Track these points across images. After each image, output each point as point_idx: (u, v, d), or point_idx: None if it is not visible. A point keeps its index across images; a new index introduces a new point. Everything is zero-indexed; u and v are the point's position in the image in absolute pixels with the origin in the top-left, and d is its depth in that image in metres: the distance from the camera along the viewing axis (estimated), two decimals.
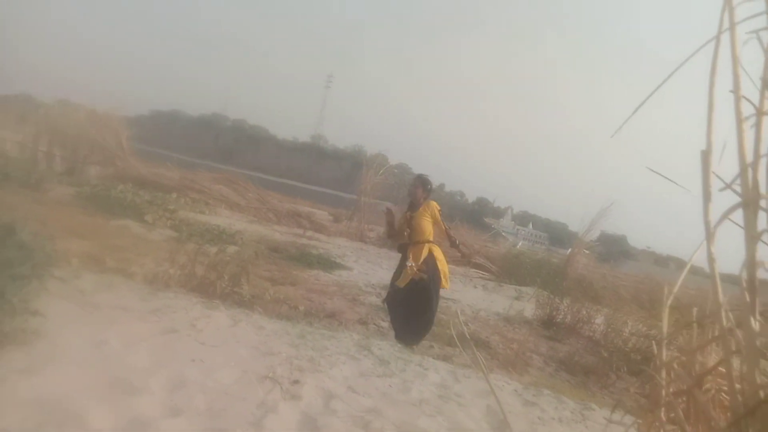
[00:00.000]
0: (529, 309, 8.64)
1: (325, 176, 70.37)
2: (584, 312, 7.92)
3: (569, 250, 17.66)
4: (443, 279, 6.02)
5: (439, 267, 6.00)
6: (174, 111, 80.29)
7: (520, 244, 28.62)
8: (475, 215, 57.33)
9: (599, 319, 7.82)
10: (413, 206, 6.16)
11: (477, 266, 15.04)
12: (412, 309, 5.72)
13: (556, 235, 71.68)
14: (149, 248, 7.21)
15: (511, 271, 14.33)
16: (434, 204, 6.14)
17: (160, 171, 16.32)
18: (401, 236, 6.21)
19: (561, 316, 7.96)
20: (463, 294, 10.07)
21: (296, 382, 3.13)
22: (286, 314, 5.40)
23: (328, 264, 9.58)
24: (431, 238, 6.05)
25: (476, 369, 4.31)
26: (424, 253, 5.92)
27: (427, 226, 5.99)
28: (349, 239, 15.68)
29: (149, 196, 11.03)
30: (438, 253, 6.07)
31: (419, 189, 6.16)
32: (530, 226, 78.31)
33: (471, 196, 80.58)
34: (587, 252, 16.62)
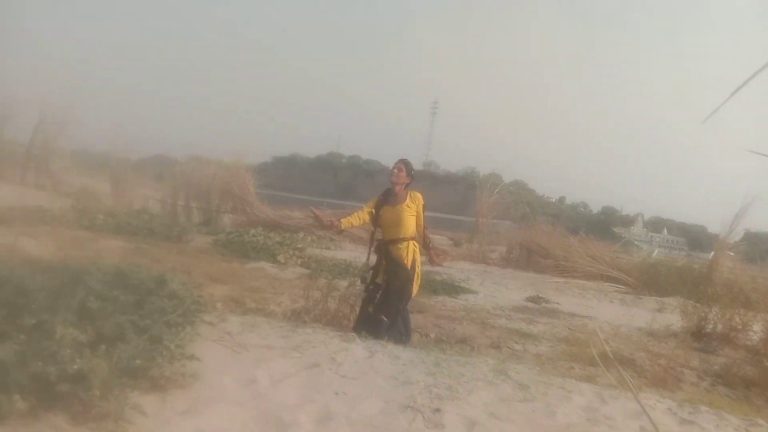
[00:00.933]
0: (674, 321, 8.07)
1: (440, 201, 70.13)
2: (737, 319, 7.27)
3: (711, 253, 16.35)
4: (416, 287, 5.32)
5: (418, 271, 5.31)
6: (293, 155, 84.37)
7: (656, 252, 26.86)
8: (602, 226, 54.63)
9: (757, 326, 7.14)
10: (393, 196, 5.28)
11: (611, 279, 14.31)
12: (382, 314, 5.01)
13: (695, 239, 66.54)
14: (284, 287, 7.59)
15: (648, 281, 13.50)
16: (420, 196, 5.38)
17: (285, 213, 17.17)
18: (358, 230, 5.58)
19: (711, 326, 7.36)
20: (598, 310, 9.62)
21: (437, 410, 3.14)
22: (417, 342, 5.44)
23: (453, 289, 9.55)
24: (414, 236, 5.28)
25: (624, 389, 4.08)
26: (411, 253, 5.19)
27: (412, 221, 5.24)
28: (471, 262, 15.55)
29: (279, 238, 11.62)
30: (418, 254, 5.32)
31: (402, 172, 5.29)
32: (665, 231, 73.34)
33: (595, 206, 77.01)
34: (732, 254, 15.28)
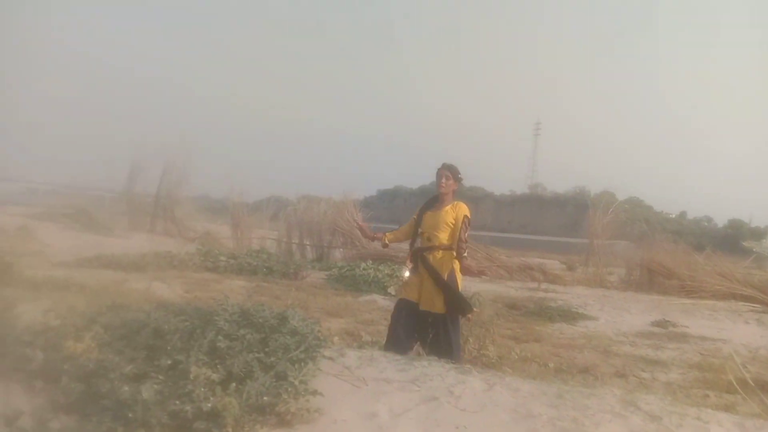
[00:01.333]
0: None
1: (549, 224, 68.51)
2: None
3: None
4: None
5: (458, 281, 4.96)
6: (396, 187, 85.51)
7: None
8: (730, 240, 50.49)
9: None
10: (438, 202, 5.11)
11: (744, 298, 13.19)
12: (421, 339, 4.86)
13: None
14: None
15: None
16: (464, 207, 5.11)
17: (393, 245, 17.37)
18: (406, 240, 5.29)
19: None
20: (733, 332, 8.88)
21: None
22: (536, 373, 5.28)
23: (570, 315, 9.20)
24: (450, 244, 4.99)
25: None
26: (448, 264, 4.91)
27: (448, 228, 4.98)
28: (587, 286, 14.92)
29: (388, 270, 11.77)
30: (458, 270, 5.00)
31: (443, 179, 5.04)
32: None
33: (720, 220, 71.53)
34: None
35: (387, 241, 5.44)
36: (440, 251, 5.01)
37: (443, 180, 5.10)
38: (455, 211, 5.06)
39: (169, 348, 3.17)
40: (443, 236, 5.01)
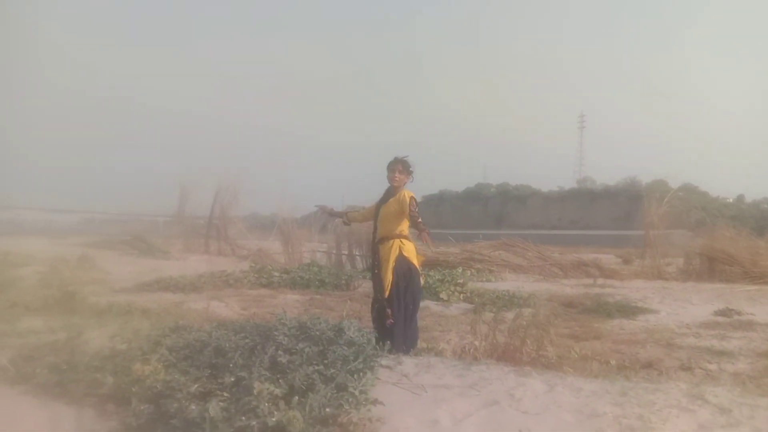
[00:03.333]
0: None
1: (600, 218, 66.92)
2: None
3: None
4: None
5: (414, 263, 5.38)
6: (441, 191, 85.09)
7: None
8: None
9: None
10: (390, 197, 5.39)
11: None
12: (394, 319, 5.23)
13: None
14: (450, 324, 7.64)
15: None
16: (407, 192, 5.27)
17: (442, 249, 17.33)
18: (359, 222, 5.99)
19: None
20: None
21: None
22: (598, 371, 5.17)
23: (629, 310, 8.97)
24: (400, 233, 5.33)
25: None
26: (394, 252, 5.26)
27: (393, 218, 5.29)
28: (646, 279, 14.52)
29: (439, 275, 11.73)
30: (409, 249, 5.36)
31: (395, 173, 5.34)
32: None
33: None
34: None
35: (348, 219, 5.98)
36: (390, 240, 5.33)
37: (396, 174, 5.36)
38: (398, 199, 5.28)
39: (231, 365, 3.26)
40: (391, 227, 5.34)
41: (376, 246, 5.50)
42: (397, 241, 5.33)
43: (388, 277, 5.29)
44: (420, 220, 5.15)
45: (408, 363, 4.31)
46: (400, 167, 5.38)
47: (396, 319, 5.24)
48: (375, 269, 5.49)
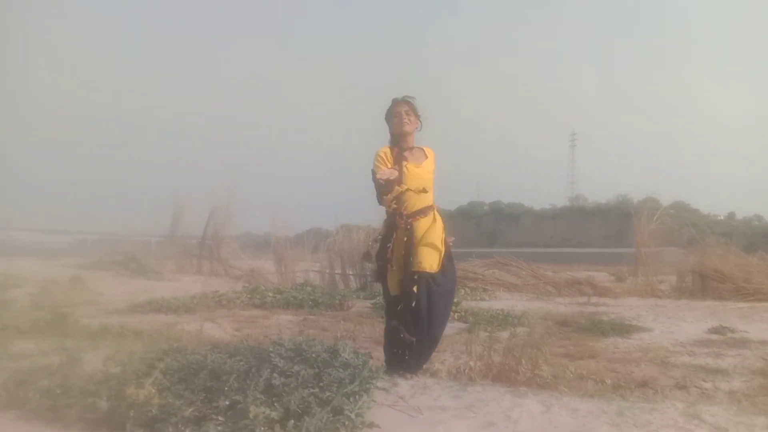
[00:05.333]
0: None
1: (593, 236, 67.22)
2: None
3: None
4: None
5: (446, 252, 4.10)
6: None
7: None
8: None
9: None
10: (409, 150, 4.08)
11: None
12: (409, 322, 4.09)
13: None
14: (445, 344, 7.59)
15: None
16: (433, 152, 4.21)
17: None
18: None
19: None
20: None
21: None
22: (594, 391, 5.17)
23: (623, 328, 8.98)
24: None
25: None
26: (438, 233, 4.05)
27: (431, 184, 4.11)
28: (639, 297, 14.55)
29: None
30: (442, 231, 4.11)
31: (412, 115, 4.05)
32: None
33: None
34: None
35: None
36: (429, 213, 4.12)
37: (404, 117, 4.07)
38: (431, 156, 4.22)
39: (226, 389, 3.24)
40: (428, 197, 4.13)
41: (407, 224, 4.07)
42: (438, 216, 4.17)
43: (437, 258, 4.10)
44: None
45: (404, 385, 4.29)
46: (406, 108, 4.12)
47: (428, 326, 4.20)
48: (397, 263, 4.14)
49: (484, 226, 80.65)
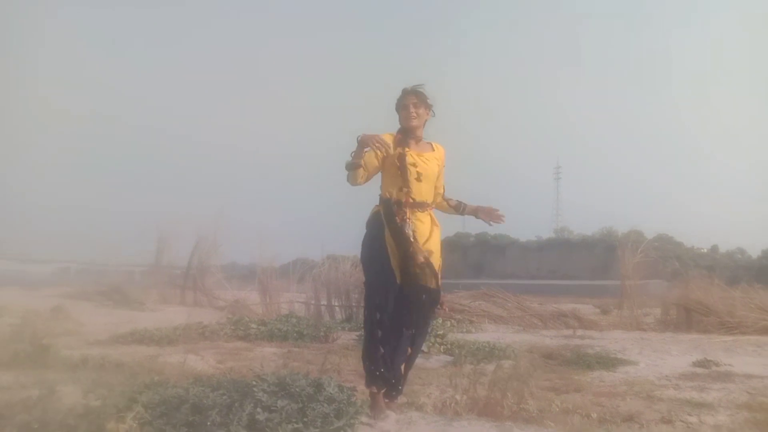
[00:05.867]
0: None
1: (578, 268, 67.53)
2: None
3: None
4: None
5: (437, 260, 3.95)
6: None
7: None
8: (766, 271, 49.20)
9: None
10: (415, 140, 3.96)
11: None
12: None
13: None
14: (431, 377, 7.56)
15: None
16: (443, 150, 4.11)
17: None
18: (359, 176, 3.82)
19: None
20: None
21: None
22: (579, 425, 5.15)
23: (609, 362, 8.98)
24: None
25: None
26: (433, 231, 3.94)
27: (435, 181, 4.02)
28: (624, 330, 14.58)
29: None
30: (438, 234, 4.00)
31: (420, 108, 3.89)
32: None
33: (754, 251, 69.67)
34: None
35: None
36: (428, 209, 4.02)
37: (412, 109, 3.89)
38: (440, 153, 4.11)
39: (209, 423, 3.20)
40: (430, 192, 4.03)
41: (399, 210, 3.81)
42: (437, 221, 4.04)
43: (437, 262, 3.98)
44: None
45: (389, 419, 4.26)
46: (414, 99, 3.93)
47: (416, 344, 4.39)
48: (391, 253, 3.85)
49: (471, 258, 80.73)
